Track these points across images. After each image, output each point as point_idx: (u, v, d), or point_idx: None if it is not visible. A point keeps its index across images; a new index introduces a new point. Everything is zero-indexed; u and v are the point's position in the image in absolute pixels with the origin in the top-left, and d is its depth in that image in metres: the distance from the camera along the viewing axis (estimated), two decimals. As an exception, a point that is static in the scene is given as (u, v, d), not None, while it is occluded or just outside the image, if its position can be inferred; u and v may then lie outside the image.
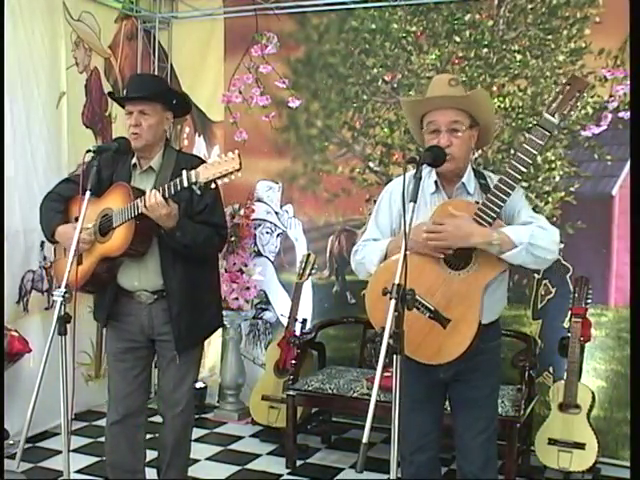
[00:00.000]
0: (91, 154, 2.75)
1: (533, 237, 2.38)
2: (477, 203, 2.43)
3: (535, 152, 2.37)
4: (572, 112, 2.46)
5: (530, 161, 2.37)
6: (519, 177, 2.37)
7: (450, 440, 2.70)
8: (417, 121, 2.58)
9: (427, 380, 2.58)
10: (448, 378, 2.58)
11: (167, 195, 2.73)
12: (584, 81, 2.47)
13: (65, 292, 2.44)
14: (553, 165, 4.26)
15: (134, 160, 3.01)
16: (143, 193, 2.79)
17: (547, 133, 2.37)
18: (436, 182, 2.55)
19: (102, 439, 3.46)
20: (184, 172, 2.67)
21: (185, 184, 2.66)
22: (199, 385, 4.86)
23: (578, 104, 2.42)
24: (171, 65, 5.34)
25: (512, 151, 4.21)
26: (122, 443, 3.09)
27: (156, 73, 5.16)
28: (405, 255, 2.11)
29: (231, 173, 2.61)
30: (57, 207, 3.06)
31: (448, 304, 2.38)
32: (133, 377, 3.07)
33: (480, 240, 2.37)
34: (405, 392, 2.58)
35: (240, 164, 2.60)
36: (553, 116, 2.36)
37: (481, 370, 2.57)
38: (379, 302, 2.27)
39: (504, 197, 2.38)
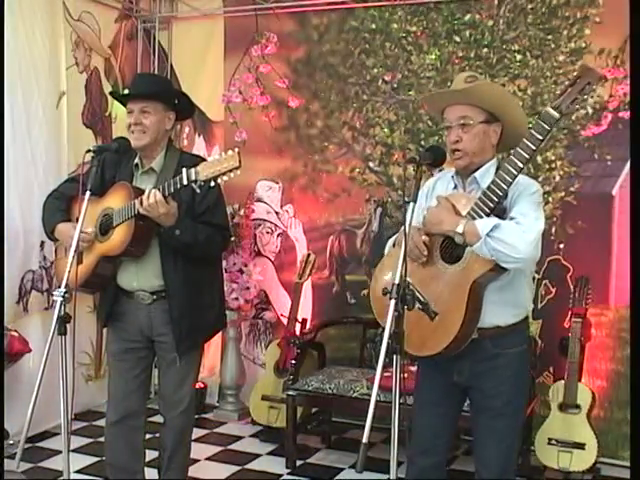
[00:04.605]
0: (91, 154, 2.75)
1: (496, 229, 2.27)
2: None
3: (534, 147, 2.29)
4: (577, 105, 2.36)
5: (528, 156, 2.30)
6: (515, 172, 2.31)
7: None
8: (440, 118, 2.62)
9: (440, 383, 2.56)
10: (463, 382, 2.54)
11: (166, 193, 2.71)
12: (596, 73, 2.34)
13: (65, 292, 2.44)
14: (553, 165, 4.26)
15: (136, 160, 3.01)
16: (144, 192, 2.78)
17: (547, 127, 2.28)
18: (453, 177, 2.56)
19: (102, 439, 3.46)
20: (184, 170, 2.65)
21: (185, 182, 2.64)
22: (199, 385, 4.85)
23: (586, 97, 2.35)
24: (171, 65, 5.33)
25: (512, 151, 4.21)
26: (121, 443, 3.08)
27: (156, 73, 5.16)
28: (405, 256, 2.11)
29: (230, 171, 2.58)
30: (59, 205, 3.06)
31: (438, 297, 2.35)
32: (132, 378, 3.06)
33: (448, 228, 2.37)
34: (417, 393, 2.61)
35: (240, 162, 2.58)
36: (557, 110, 2.28)
37: (498, 378, 2.50)
38: (381, 297, 2.29)
39: (499, 192, 2.32)
